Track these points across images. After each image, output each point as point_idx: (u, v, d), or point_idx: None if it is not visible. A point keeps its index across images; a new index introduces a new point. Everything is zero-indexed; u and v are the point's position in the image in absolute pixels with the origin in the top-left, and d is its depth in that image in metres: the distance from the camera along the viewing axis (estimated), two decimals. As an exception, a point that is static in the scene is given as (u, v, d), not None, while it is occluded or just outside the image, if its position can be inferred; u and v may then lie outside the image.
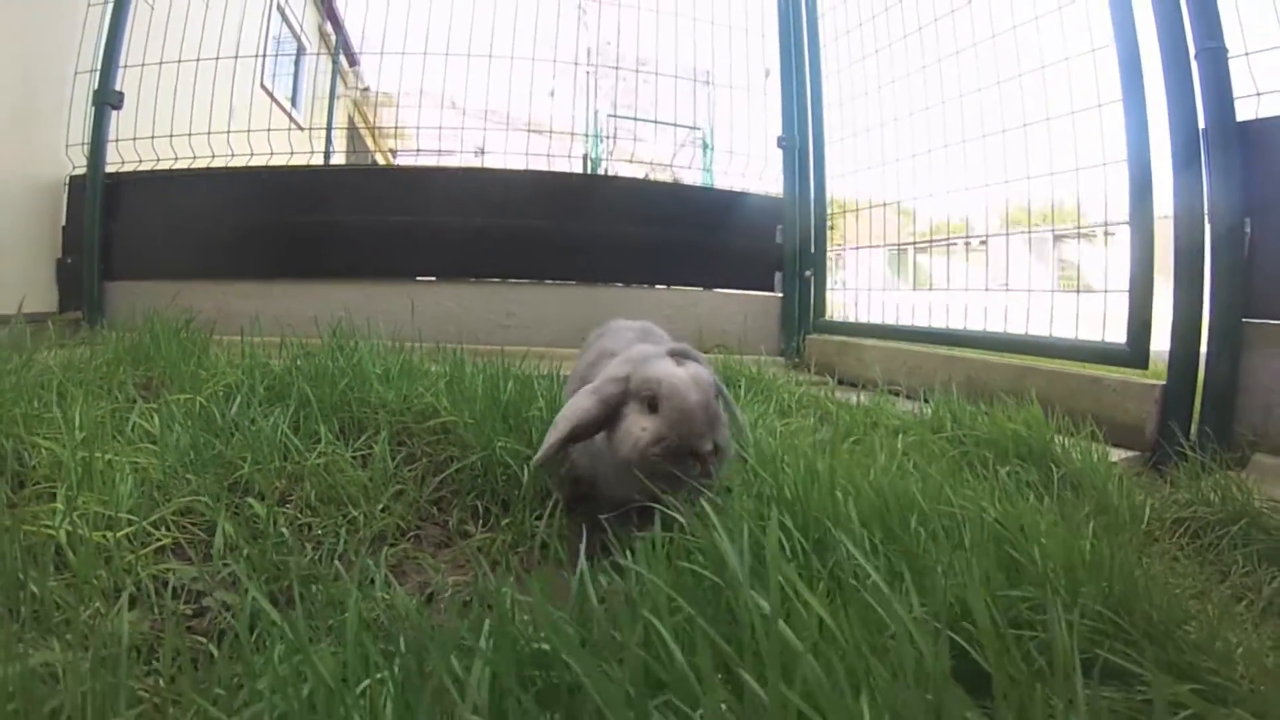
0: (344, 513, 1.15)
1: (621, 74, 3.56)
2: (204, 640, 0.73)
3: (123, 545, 0.89)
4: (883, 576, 0.60)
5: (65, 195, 2.71)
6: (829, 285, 3.29)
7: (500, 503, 1.27)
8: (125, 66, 2.63)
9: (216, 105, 2.87)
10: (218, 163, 2.82)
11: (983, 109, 2.19)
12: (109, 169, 2.70)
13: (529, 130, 3.49)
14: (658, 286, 3.39)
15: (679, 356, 1.02)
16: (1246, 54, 1.67)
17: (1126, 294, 1.79)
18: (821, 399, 2.17)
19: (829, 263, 3.41)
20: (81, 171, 2.67)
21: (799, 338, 3.23)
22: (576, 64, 3.67)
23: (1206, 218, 1.70)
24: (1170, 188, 1.77)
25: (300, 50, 7.24)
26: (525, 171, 3.25)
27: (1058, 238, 2.22)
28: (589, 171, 4.46)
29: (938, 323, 2.45)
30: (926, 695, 0.43)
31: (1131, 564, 0.86)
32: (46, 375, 1.33)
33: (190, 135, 2.74)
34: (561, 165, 3.28)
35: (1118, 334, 1.85)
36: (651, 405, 0.95)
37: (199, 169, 2.79)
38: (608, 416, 1.00)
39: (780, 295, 3.36)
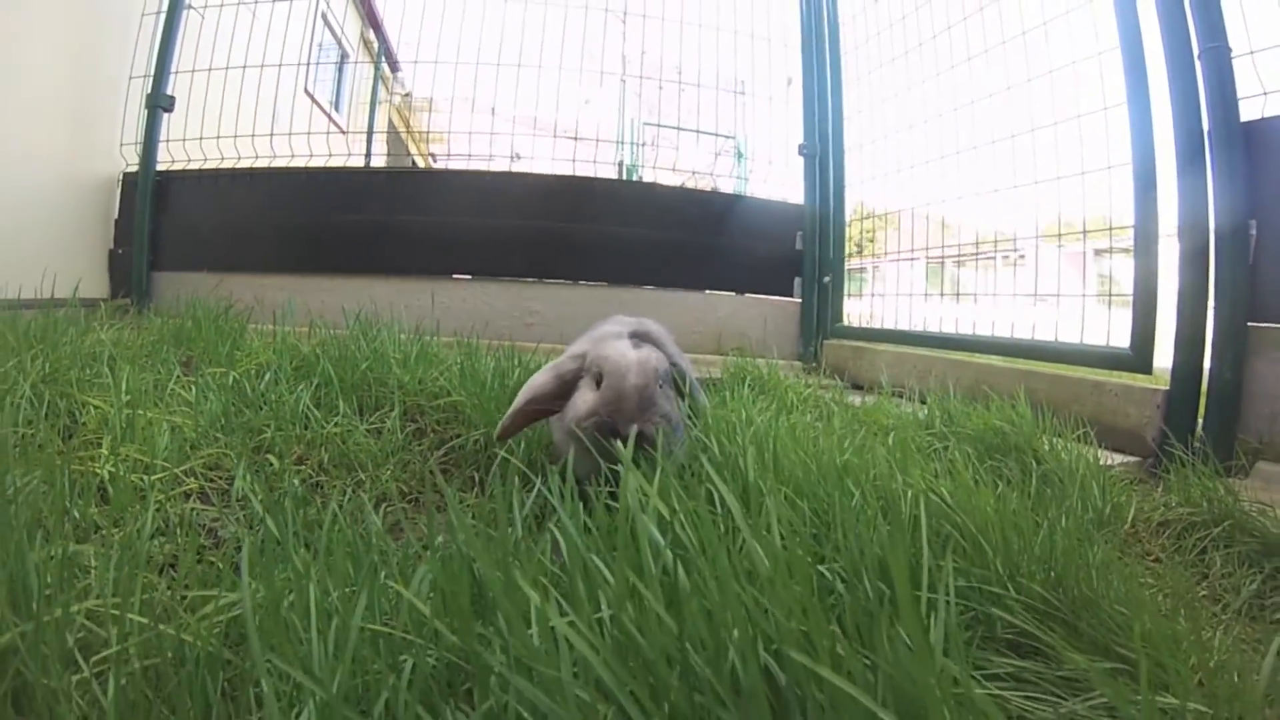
0: (353, 476, 1.28)
1: (656, 83, 3.69)
2: (215, 563, 0.85)
3: (156, 487, 1.03)
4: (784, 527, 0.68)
5: (119, 191, 2.96)
6: (868, 293, 3.35)
7: (503, 477, 1.39)
8: (176, 72, 2.87)
9: (262, 109, 3.09)
10: (261, 163, 3.03)
11: (994, 115, 2.24)
12: (159, 167, 2.93)
13: (565, 137, 3.63)
14: (679, 289, 3.49)
15: (638, 339, 1.09)
16: (1251, 53, 1.67)
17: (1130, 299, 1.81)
18: (825, 399, 2.24)
19: (867, 272, 3.49)
20: (134, 169, 2.91)
21: (817, 342, 3.29)
22: (610, 73, 3.81)
23: (1211, 220, 1.70)
24: (1175, 190, 1.77)
25: (343, 57, 7.61)
26: (550, 176, 3.40)
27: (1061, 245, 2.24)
28: (623, 178, 4.61)
29: (954, 329, 2.48)
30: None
31: (1073, 549, 0.90)
32: (98, 348, 1.50)
33: (236, 137, 2.96)
34: (594, 171, 3.40)
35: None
36: (598, 382, 1.01)
37: (242, 169, 3.01)
38: (564, 390, 1.06)
39: (799, 301, 3.43)
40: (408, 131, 9.84)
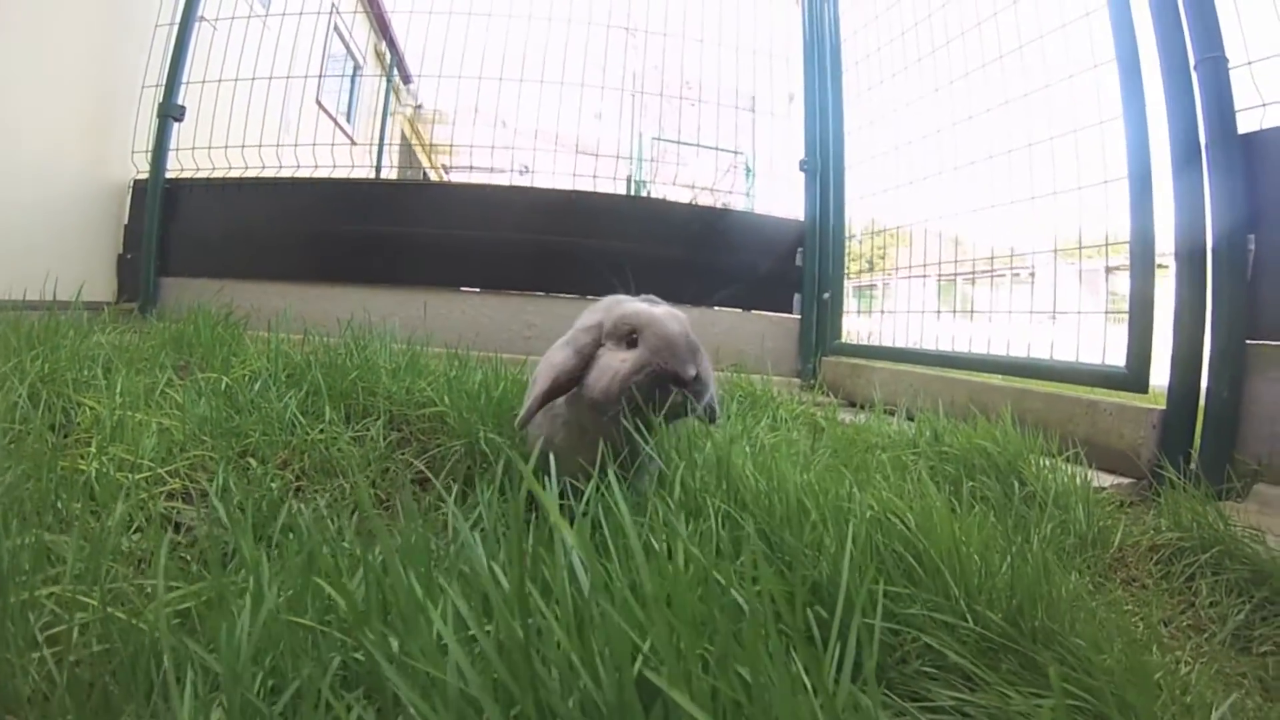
0: (334, 481, 1.32)
1: (666, 99, 3.76)
2: (185, 557, 0.89)
3: (140, 486, 1.07)
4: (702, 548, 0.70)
5: (129, 197, 3.07)
6: (878, 310, 3.37)
7: (475, 485, 1.43)
8: (187, 83, 2.98)
9: (273, 119, 3.19)
10: (268, 173, 3.13)
11: (992, 130, 2.27)
12: (169, 175, 3.04)
13: (574, 151, 3.70)
14: (678, 305, 3.52)
15: (650, 302, 1.07)
16: (1249, 63, 1.67)
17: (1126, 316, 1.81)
18: (817, 417, 2.26)
19: (878, 289, 3.51)
20: (144, 176, 3.01)
21: (815, 359, 3.31)
22: (619, 88, 3.89)
23: (1208, 234, 1.69)
24: (1171, 203, 1.76)
25: (356, 68, 7.80)
26: (550, 190, 3.47)
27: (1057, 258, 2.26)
28: (631, 193, 4.68)
29: (950, 346, 2.50)
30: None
31: (1036, 576, 0.87)
32: (96, 350, 1.56)
33: (243, 147, 3.06)
34: (604, 186, 3.46)
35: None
36: (630, 342, 0.95)
37: (249, 178, 3.11)
38: (586, 366, 0.99)
39: (799, 317, 3.45)
40: (419, 143, 10.03)
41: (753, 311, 3.54)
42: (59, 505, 0.89)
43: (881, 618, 0.76)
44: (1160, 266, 1.90)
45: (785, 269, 3.48)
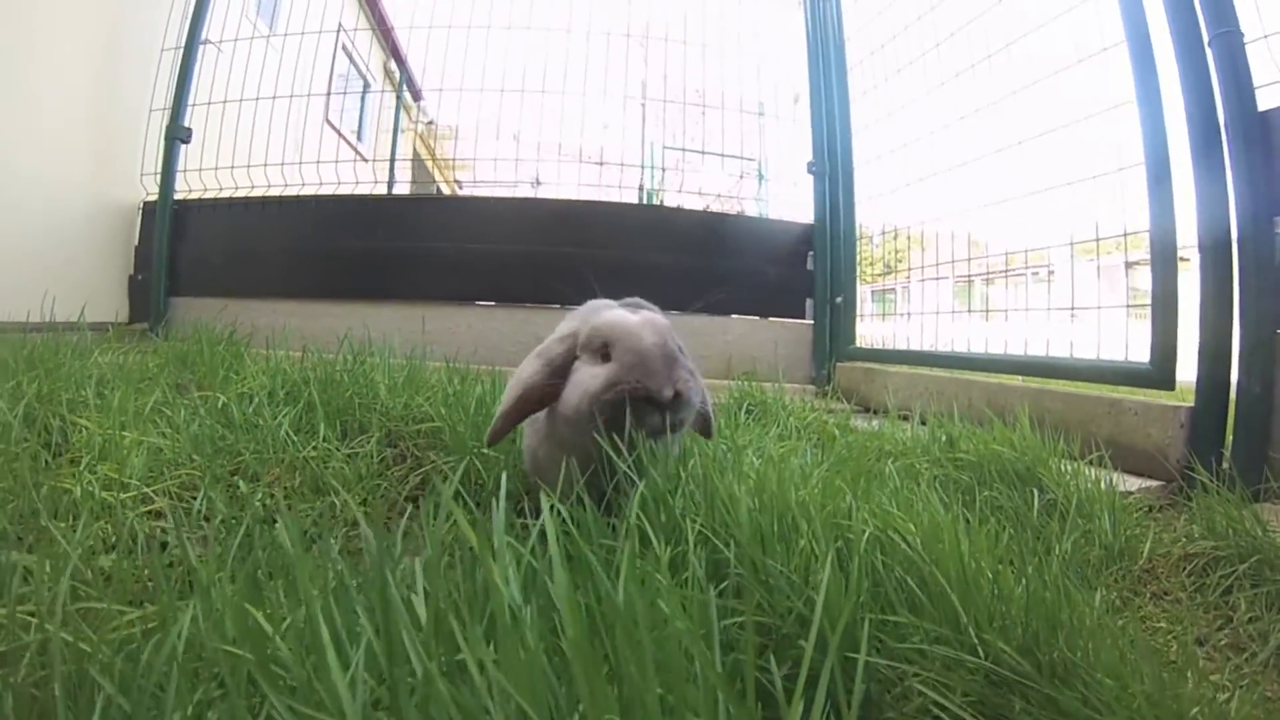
0: (325, 500, 1.32)
1: (677, 107, 3.77)
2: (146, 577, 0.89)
3: (125, 505, 1.09)
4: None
5: (139, 219, 3.16)
6: (894, 314, 3.33)
7: (467, 504, 1.42)
8: (193, 105, 3.07)
9: (282, 139, 3.26)
10: (276, 192, 3.20)
11: (1003, 121, 2.22)
12: (177, 196, 3.12)
13: (587, 162, 3.72)
14: (688, 313, 3.51)
15: (632, 307, 1.01)
16: (1265, 36, 1.61)
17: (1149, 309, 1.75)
18: (828, 425, 2.22)
19: (896, 292, 3.47)
20: (154, 198, 3.10)
21: (829, 365, 3.27)
22: (630, 97, 3.91)
23: (1232, 219, 1.63)
24: (1192, 188, 1.70)
25: (365, 86, 7.97)
26: (556, 201, 3.50)
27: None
28: (644, 202, 4.69)
29: (966, 347, 2.45)
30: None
31: (1056, 603, 0.79)
32: (95, 371, 1.59)
33: (249, 166, 3.14)
34: (615, 196, 3.48)
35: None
36: (604, 355, 0.91)
37: (255, 197, 3.18)
38: (557, 379, 0.95)
39: (812, 322, 3.41)
40: (432, 159, 10.19)
41: (765, 318, 3.52)
42: (44, 523, 0.90)
43: (880, 651, 0.72)
44: (1183, 260, 1.84)
45: (797, 274, 3.45)
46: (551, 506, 0.64)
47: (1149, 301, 1.74)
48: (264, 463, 1.37)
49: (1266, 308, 1.60)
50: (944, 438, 1.72)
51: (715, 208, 4.25)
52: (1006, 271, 2.43)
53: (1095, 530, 1.26)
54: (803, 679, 0.48)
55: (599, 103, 3.58)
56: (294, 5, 3.66)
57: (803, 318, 3.47)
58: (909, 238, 3.44)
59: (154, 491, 1.15)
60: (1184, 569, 1.23)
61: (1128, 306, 1.83)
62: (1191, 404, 1.68)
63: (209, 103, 3.12)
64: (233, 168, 3.13)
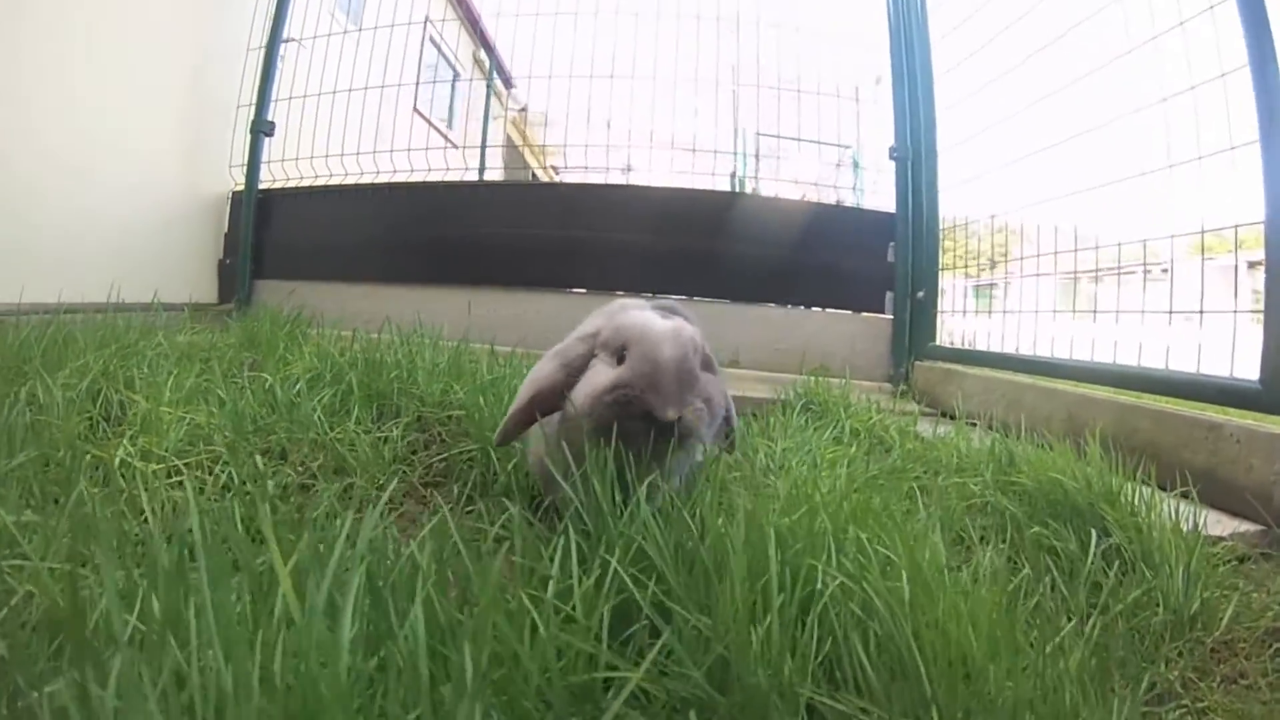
0: (347, 481, 1.39)
1: (768, 92, 3.68)
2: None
3: (158, 475, 1.19)
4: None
5: (228, 207, 3.46)
6: (986, 312, 3.11)
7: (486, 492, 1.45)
8: (276, 100, 3.32)
9: (371, 128, 3.45)
10: (361, 179, 3.39)
11: (1102, 96, 1.99)
12: (263, 186, 3.38)
13: (678, 149, 3.70)
14: (761, 304, 3.43)
15: (665, 311, 0.96)
16: None
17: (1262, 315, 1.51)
18: (890, 430, 2.10)
19: (999, 289, 3.25)
20: (241, 188, 3.37)
21: (908, 363, 3.09)
22: (719, 82, 3.85)
23: None
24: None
25: (455, 76, 8.30)
26: (625, 186, 3.50)
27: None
28: (736, 190, 4.63)
29: (1050, 351, 2.23)
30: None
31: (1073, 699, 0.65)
32: (159, 350, 1.75)
33: (328, 156, 3.36)
34: (703, 184, 3.45)
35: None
36: (621, 357, 0.87)
37: (333, 185, 3.39)
38: (574, 382, 0.91)
39: (891, 317, 3.24)
40: (525, 145, 10.48)
41: (841, 311, 3.38)
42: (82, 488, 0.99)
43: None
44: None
45: (877, 265, 3.29)
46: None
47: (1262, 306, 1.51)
48: (294, 442, 1.46)
49: None
50: (1006, 456, 1.56)
51: (812, 196, 4.12)
52: (1089, 270, 2.19)
53: (1162, 587, 1.04)
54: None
55: (689, 88, 3.55)
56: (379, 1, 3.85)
57: (882, 312, 3.30)
58: (1007, 230, 3.19)
59: (183, 464, 1.25)
60: (1270, 646, 0.99)
61: (1236, 312, 1.59)
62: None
63: (290, 98, 3.36)
64: (312, 158, 3.36)
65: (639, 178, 3.71)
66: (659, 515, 0.78)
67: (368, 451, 1.47)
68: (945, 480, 1.55)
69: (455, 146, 8.05)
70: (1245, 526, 1.38)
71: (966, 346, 2.99)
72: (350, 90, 3.43)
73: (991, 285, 3.93)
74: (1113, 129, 2.00)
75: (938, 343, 3.01)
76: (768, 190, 5.03)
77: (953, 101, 2.89)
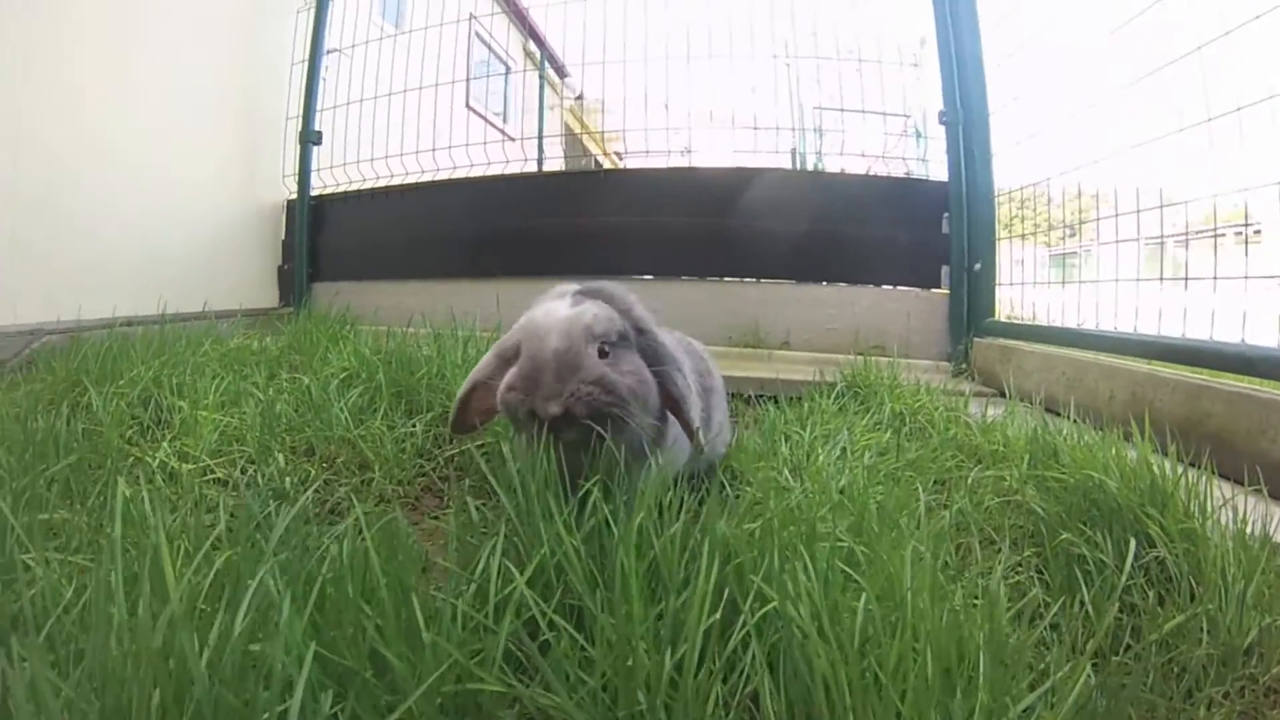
0: (366, 476, 1.47)
1: (825, 64, 3.57)
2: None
3: (191, 474, 1.30)
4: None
5: (284, 215, 3.68)
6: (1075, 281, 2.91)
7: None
8: (323, 110, 3.50)
9: (420, 128, 3.57)
10: (410, 179, 3.52)
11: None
12: (315, 192, 3.58)
13: (734, 128, 3.65)
14: (810, 283, 3.34)
15: (585, 295, 0.95)
16: None
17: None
18: (935, 414, 2.01)
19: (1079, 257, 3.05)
20: (294, 196, 3.57)
21: (967, 340, 2.94)
22: (775, 57, 3.77)
23: None
24: None
25: (506, 70, 8.45)
26: (669, 169, 3.48)
27: None
28: (797, 167, 4.52)
29: (1113, 325, 2.07)
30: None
31: None
32: (204, 358, 1.90)
33: (387, 158, 3.52)
34: (762, 162, 3.41)
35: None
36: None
37: (380, 188, 3.55)
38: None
39: (947, 292, 3.09)
40: (585, 132, 10.58)
41: (895, 288, 3.26)
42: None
43: None
44: None
45: (931, 238, 3.14)
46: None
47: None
48: (322, 440, 1.55)
49: None
50: (1048, 448, 1.44)
51: (876, 170, 3.97)
52: (1178, 235, 1.99)
53: (1206, 612, 0.87)
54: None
55: (744, 65, 3.49)
56: (422, 2, 3.95)
57: (938, 287, 3.16)
58: (1081, 195, 2.97)
59: (214, 464, 1.36)
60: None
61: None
62: None
63: (334, 106, 3.52)
64: (359, 162, 3.53)
65: (698, 159, 3.68)
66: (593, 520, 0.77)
67: (390, 447, 1.54)
68: (980, 472, 1.48)
69: (511, 139, 8.23)
70: (1324, 535, 1.19)
71: (1038, 322, 2.80)
72: (403, 92, 3.58)
73: (1070, 254, 3.68)
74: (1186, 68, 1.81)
75: (998, 318, 2.84)
76: (831, 165, 4.91)
77: (1001, 59, 2.70)
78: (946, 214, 3.05)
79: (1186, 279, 2.00)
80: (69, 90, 2.48)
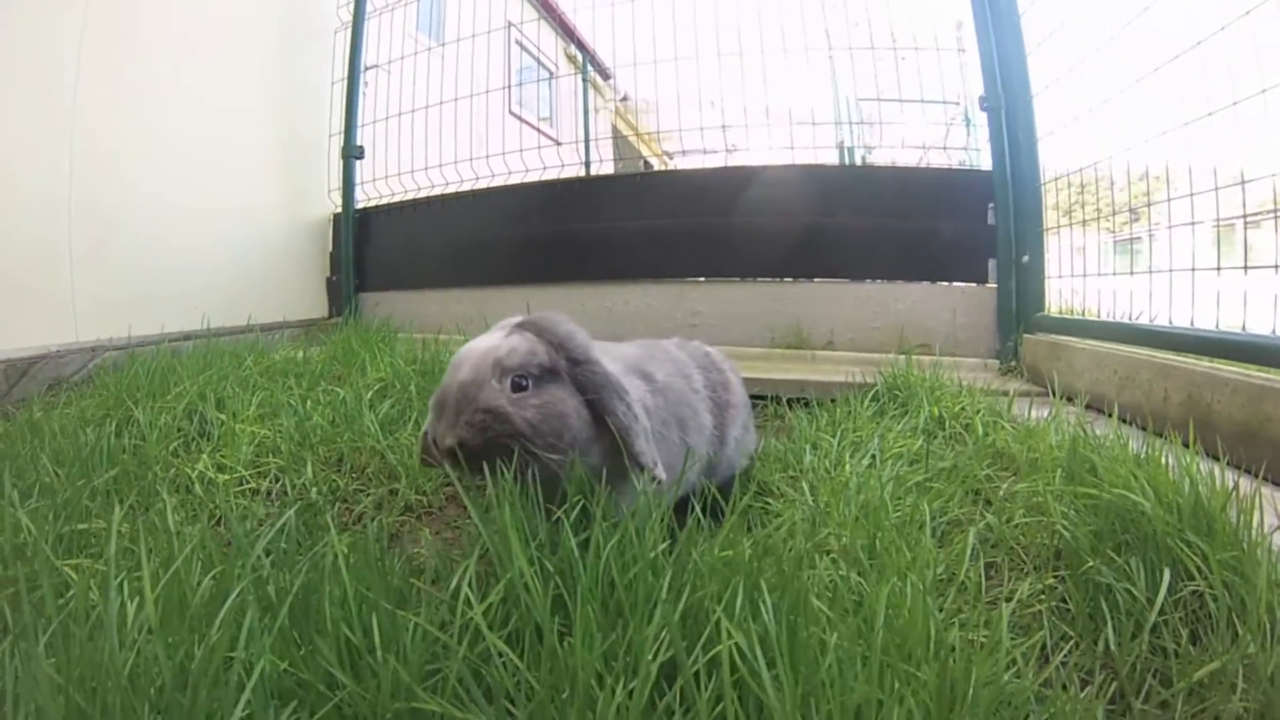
0: (393, 486, 1.52)
1: (869, 54, 3.50)
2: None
3: (228, 485, 1.37)
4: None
5: (330, 228, 3.84)
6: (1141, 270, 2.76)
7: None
8: (363, 124, 3.63)
9: (462, 137, 3.67)
10: (451, 189, 3.61)
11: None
12: (360, 205, 3.72)
13: (776, 124, 3.62)
14: (852, 281, 3.28)
15: (525, 327, 0.94)
16: None
17: None
18: (975, 418, 1.94)
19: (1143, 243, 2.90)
20: (339, 210, 3.72)
21: (1016, 337, 2.82)
22: (816, 49, 3.70)
23: None
24: None
25: (550, 75, 8.57)
26: (712, 170, 3.46)
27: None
28: (844, 162, 4.44)
29: (1168, 320, 1.94)
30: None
31: None
32: (247, 372, 2.00)
33: (427, 169, 3.62)
34: (808, 158, 3.36)
35: None
36: None
37: (421, 198, 3.65)
38: None
39: (995, 286, 2.97)
40: (633, 133, 10.63)
41: (940, 283, 3.15)
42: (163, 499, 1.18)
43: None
44: None
45: (977, 230, 3.02)
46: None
47: None
48: (353, 451, 1.62)
49: None
50: (1085, 461, 1.34)
51: (928, 161, 3.85)
52: (1249, 215, 1.85)
53: (1245, 656, 0.77)
54: None
55: (784, 59, 3.44)
56: (460, 13, 4.06)
57: (985, 281, 3.04)
58: (1146, 176, 2.80)
59: (249, 474, 1.44)
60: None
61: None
62: None
63: (375, 120, 3.66)
64: (400, 174, 3.65)
65: (741, 157, 3.65)
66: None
67: (417, 458, 1.60)
68: (1013, 484, 1.41)
69: (558, 144, 8.34)
70: None
71: (1089, 316, 2.66)
72: (439, 104, 3.67)
73: (1137, 239, 3.49)
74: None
75: (1048, 312, 2.71)
76: (880, 158, 4.78)
77: (1042, 38, 2.56)
78: (991, 205, 2.93)
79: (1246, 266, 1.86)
80: (128, 109, 2.65)
